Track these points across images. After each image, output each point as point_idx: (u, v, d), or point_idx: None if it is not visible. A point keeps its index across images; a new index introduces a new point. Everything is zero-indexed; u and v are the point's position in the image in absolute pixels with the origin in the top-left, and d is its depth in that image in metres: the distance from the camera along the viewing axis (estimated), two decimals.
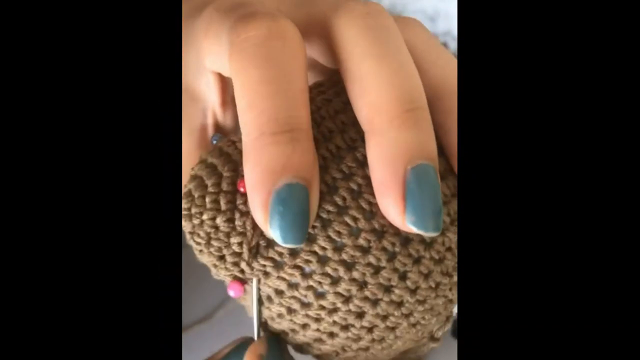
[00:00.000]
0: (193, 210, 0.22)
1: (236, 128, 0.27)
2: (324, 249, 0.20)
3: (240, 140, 0.22)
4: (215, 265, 0.22)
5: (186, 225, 0.22)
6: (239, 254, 0.21)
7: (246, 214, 0.21)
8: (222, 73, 0.26)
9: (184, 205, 0.22)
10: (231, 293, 0.22)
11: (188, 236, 0.22)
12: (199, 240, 0.22)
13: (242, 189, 0.21)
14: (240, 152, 0.21)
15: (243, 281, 0.22)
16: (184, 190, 0.23)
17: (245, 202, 0.21)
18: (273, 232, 0.20)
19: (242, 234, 0.21)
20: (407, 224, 0.21)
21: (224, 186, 0.21)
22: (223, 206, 0.21)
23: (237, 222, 0.21)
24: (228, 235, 0.21)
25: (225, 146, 0.22)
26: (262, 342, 0.23)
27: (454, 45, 0.56)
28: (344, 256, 0.20)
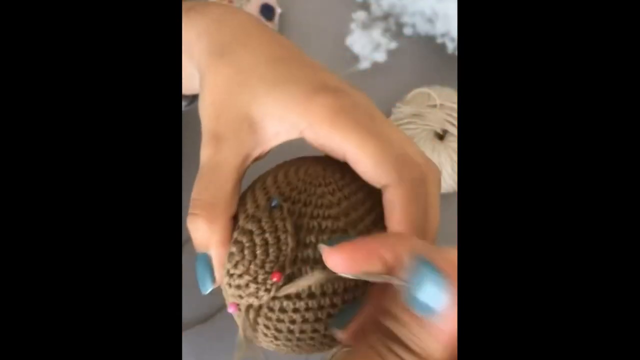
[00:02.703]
0: (236, 271, 0.29)
1: None
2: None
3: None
4: (240, 297, 0.29)
5: (231, 270, 0.30)
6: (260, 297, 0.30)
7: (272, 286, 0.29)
8: (305, 137, 0.30)
9: (234, 249, 0.29)
10: (230, 310, 0.30)
11: (226, 277, 0.30)
12: (237, 284, 0.30)
13: (274, 279, 0.28)
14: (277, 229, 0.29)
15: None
16: (232, 239, 0.30)
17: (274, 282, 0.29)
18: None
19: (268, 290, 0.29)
20: None
21: (267, 268, 0.29)
22: (260, 278, 0.29)
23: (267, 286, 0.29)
24: (257, 290, 0.29)
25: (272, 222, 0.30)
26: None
27: (452, 46, 0.56)
28: None
